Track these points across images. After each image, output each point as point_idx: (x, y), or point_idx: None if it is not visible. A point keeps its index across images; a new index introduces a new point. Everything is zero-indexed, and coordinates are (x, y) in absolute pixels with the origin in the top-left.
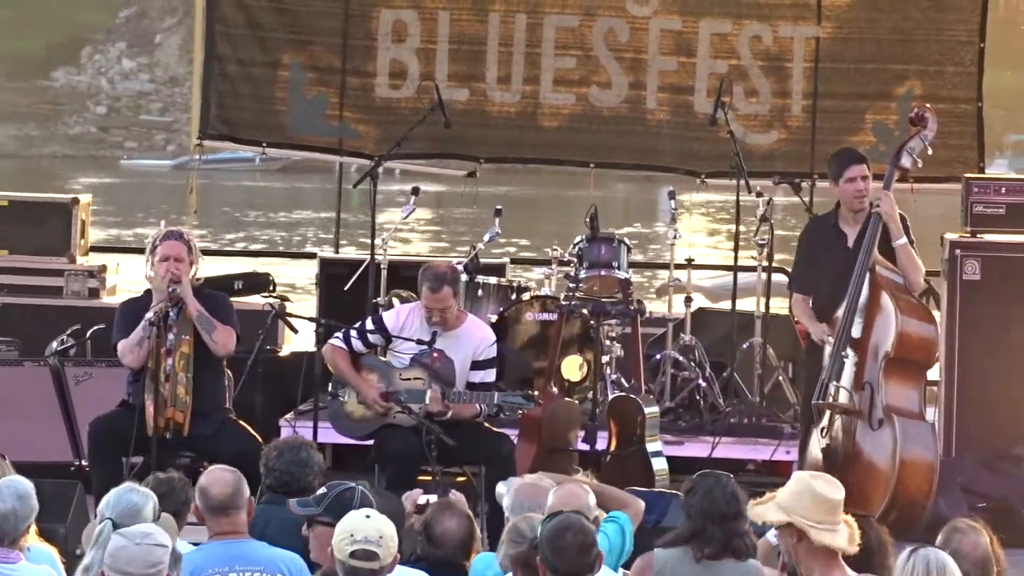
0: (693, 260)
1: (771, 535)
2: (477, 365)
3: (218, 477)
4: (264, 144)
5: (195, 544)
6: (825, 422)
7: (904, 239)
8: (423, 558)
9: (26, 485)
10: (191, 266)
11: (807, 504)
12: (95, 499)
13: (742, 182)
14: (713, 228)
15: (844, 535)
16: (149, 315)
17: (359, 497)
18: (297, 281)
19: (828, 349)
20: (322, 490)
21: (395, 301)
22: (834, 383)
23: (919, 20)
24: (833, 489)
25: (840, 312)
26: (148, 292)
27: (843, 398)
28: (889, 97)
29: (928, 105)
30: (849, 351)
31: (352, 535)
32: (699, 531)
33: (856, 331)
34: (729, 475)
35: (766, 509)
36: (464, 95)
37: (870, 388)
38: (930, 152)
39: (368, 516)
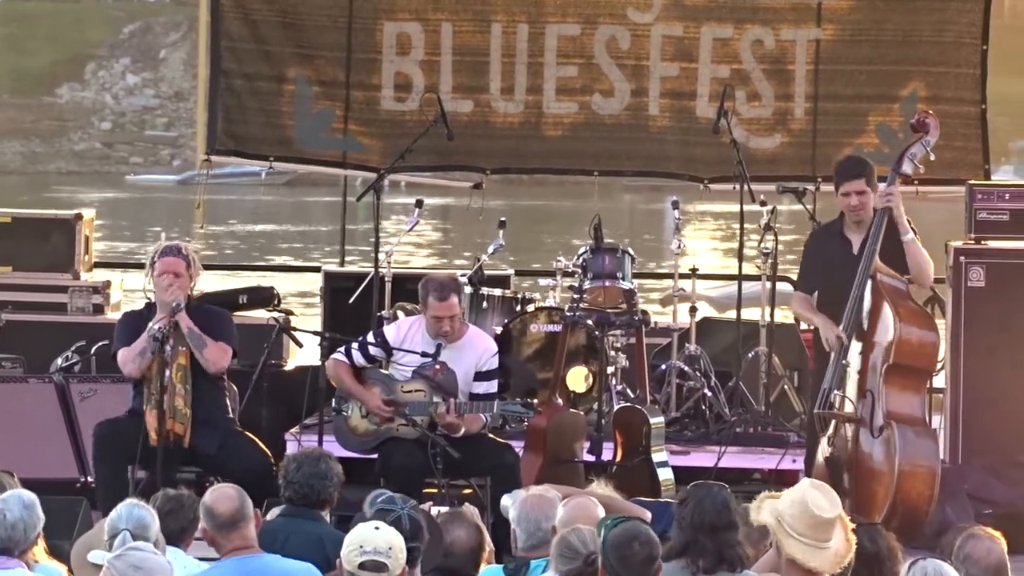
0: (697, 270)
1: None
2: (480, 376)
3: (222, 494)
4: (271, 158)
5: (203, 560)
6: (831, 431)
7: (911, 235)
8: (433, 568)
9: (31, 495)
10: (190, 280)
11: (796, 513)
12: (102, 511)
13: (745, 188)
14: (717, 237)
15: (824, 556)
16: (154, 330)
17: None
18: (302, 293)
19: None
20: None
21: (400, 314)
22: (836, 392)
23: (921, 21)
24: (827, 506)
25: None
26: (149, 305)
27: (846, 407)
28: (892, 99)
29: (930, 111)
30: (850, 359)
31: (361, 546)
32: (691, 543)
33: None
34: (724, 485)
35: (764, 506)
36: (468, 106)
37: (871, 395)
38: (932, 158)
39: (377, 528)
